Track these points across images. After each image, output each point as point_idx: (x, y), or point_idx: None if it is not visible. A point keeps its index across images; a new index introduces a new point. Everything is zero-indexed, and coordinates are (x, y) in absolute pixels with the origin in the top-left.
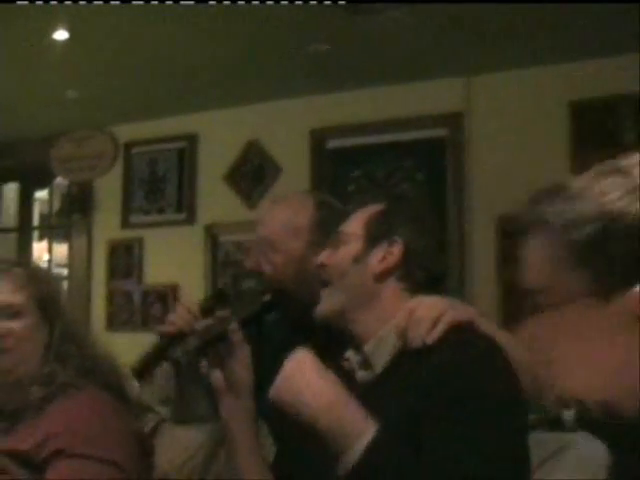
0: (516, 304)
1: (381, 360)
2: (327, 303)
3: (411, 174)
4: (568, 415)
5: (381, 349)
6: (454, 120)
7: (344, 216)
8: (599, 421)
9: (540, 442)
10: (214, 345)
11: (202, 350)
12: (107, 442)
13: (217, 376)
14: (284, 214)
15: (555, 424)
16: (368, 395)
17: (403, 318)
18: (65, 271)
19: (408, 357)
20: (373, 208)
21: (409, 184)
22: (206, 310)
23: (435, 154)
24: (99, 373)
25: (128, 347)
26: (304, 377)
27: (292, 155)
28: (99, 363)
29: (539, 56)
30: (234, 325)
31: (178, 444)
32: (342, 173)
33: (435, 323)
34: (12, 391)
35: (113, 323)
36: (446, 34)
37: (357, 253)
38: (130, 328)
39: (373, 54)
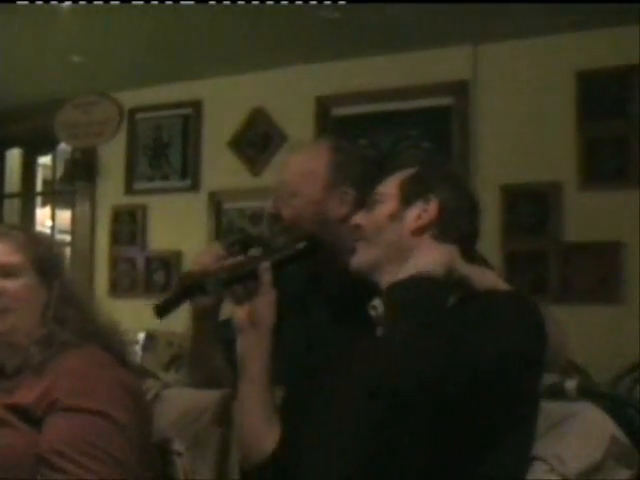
0: (519, 272)
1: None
2: (363, 255)
3: (416, 142)
4: (569, 385)
5: None
6: (460, 88)
7: (360, 158)
8: (600, 391)
9: (543, 411)
10: (243, 281)
11: (231, 283)
12: (102, 395)
13: (241, 312)
14: (301, 159)
15: (557, 393)
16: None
17: None
18: (68, 237)
19: None
20: (408, 171)
21: (414, 152)
22: (232, 253)
23: (441, 123)
24: (99, 336)
25: (131, 313)
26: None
27: (297, 122)
28: (99, 327)
29: (547, 25)
30: (266, 264)
31: (182, 407)
32: (347, 141)
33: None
34: (12, 351)
35: (116, 289)
36: (453, 2)
37: (393, 211)
38: (133, 294)
39: (380, 22)
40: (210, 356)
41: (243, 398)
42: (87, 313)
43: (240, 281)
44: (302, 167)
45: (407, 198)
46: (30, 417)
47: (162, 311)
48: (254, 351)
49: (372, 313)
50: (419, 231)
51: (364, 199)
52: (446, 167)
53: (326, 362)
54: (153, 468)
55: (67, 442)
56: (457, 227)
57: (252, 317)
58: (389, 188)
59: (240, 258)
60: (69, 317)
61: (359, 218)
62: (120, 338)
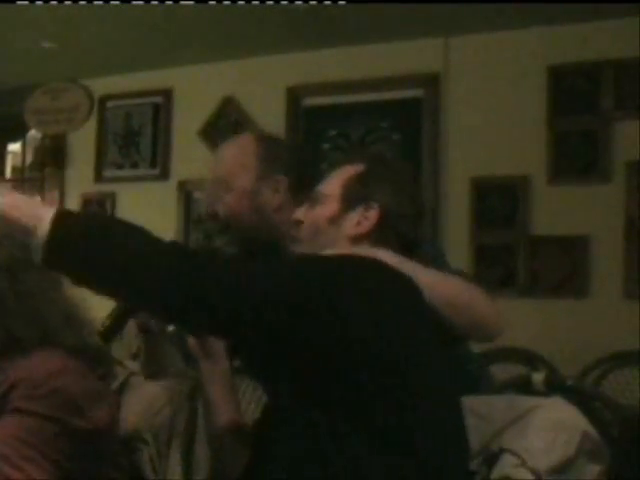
0: (487, 265)
1: None
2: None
3: (387, 134)
4: (537, 378)
5: None
6: (431, 81)
7: (290, 148)
8: (567, 384)
9: (511, 402)
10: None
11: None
12: (56, 402)
13: (193, 343)
14: (229, 154)
15: (524, 387)
16: None
17: None
18: None
19: None
20: (353, 169)
21: (384, 144)
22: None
23: (411, 115)
24: (64, 334)
25: (99, 301)
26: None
27: (268, 112)
28: (66, 324)
29: (518, 19)
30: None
31: (147, 397)
32: (318, 131)
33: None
34: None
35: None
36: None
37: (333, 215)
38: None
39: (352, 13)
40: (162, 359)
41: (210, 423)
42: (53, 305)
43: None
44: (231, 161)
45: (348, 202)
46: None
47: (106, 337)
48: (212, 378)
49: None
50: (357, 238)
51: (298, 184)
52: (392, 169)
53: None
54: (119, 466)
55: (9, 443)
56: (397, 235)
57: (205, 346)
58: (331, 188)
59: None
60: (34, 311)
61: (300, 214)
62: (86, 329)
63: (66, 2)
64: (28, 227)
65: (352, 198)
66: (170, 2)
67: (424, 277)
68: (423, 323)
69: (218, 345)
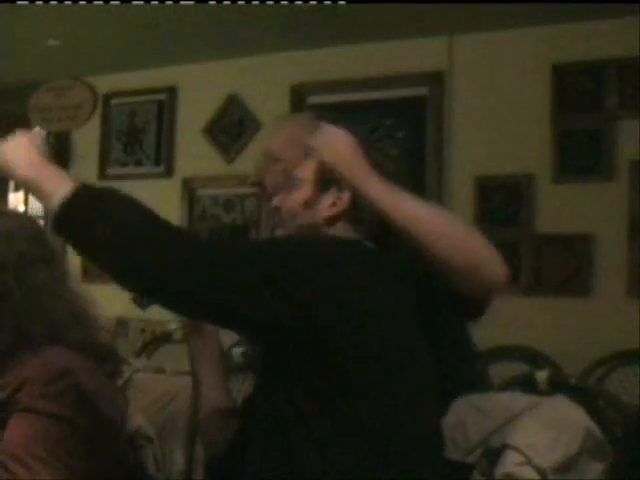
0: None
1: None
2: None
3: (391, 132)
4: (540, 376)
5: None
6: (435, 79)
7: (344, 127)
8: (570, 383)
9: (515, 399)
10: None
11: None
12: (67, 401)
13: (183, 320)
14: (287, 128)
15: (527, 386)
16: None
17: None
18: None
19: None
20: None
21: (389, 142)
22: None
23: (416, 113)
24: (72, 331)
25: (104, 299)
26: (20, 142)
27: (272, 110)
28: (74, 321)
29: (523, 17)
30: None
31: (151, 395)
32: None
33: None
34: None
35: (88, 275)
36: None
37: (307, 198)
38: (105, 280)
39: (356, 11)
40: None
41: (197, 403)
42: (61, 303)
43: None
44: (284, 135)
45: (322, 184)
46: (4, 413)
47: (143, 300)
48: (202, 357)
49: None
50: (332, 219)
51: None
52: (371, 152)
53: None
54: (124, 463)
55: (22, 444)
56: (371, 214)
57: (195, 324)
58: (305, 172)
59: None
60: (41, 309)
61: (277, 201)
62: (97, 331)
63: (70, 1)
64: (46, 190)
65: (326, 180)
66: (174, 0)
67: (405, 208)
68: (394, 300)
69: (209, 325)
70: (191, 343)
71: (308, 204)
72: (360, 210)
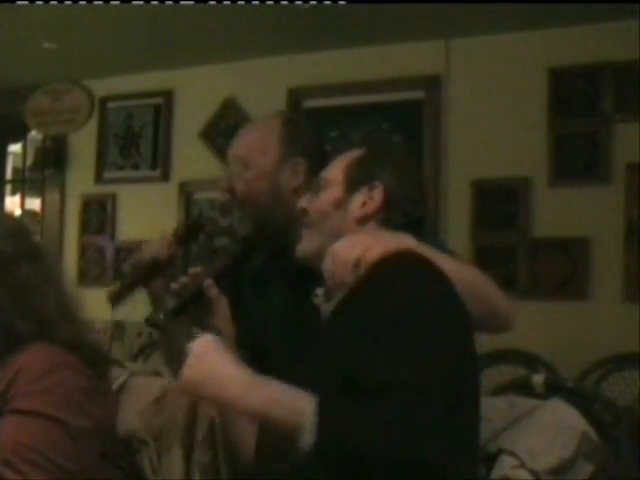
0: (488, 267)
1: (339, 294)
2: (307, 243)
3: (388, 136)
4: (536, 380)
5: None
6: (432, 83)
7: (312, 132)
8: (567, 386)
9: (511, 404)
10: (192, 303)
11: (181, 310)
12: (57, 399)
13: (199, 332)
14: (254, 134)
15: (524, 389)
16: (326, 327)
17: (329, 261)
18: (37, 226)
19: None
20: (353, 154)
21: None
22: (180, 240)
23: (412, 116)
24: (61, 328)
25: (99, 302)
26: (217, 358)
27: (269, 114)
28: (63, 318)
29: (520, 21)
30: (209, 281)
31: (147, 398)
32: (318, 133)
33: (357, 263)
34: None
35: (85, 278)
36: None
37: (337, 199)
38: (101, 284)
39: (353, 14)
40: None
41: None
42: (52, 303)
43: (190, 303)
44: (254, 140)
45: (352, 184)
46: None
47: (115, 299)
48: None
49: (316, 302)
50: (364, 219)
51: (317, 168)
52: (393, 151)
53: (284, 345)
54: (118, 464)
55: (13, 448)
56: (404, 213)
57: (211, 332)
58: (334, 173)
59: (182, 280)
60: (32, 307)
61: (305, 202)
62: (85, 328)
63: (67, 3)
64: (288, 423)
65: (355, 180)
66: (171, 3)
67: (443, 263)
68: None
69: (225, 333)
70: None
71: (338, 204)
72: (392, 210)
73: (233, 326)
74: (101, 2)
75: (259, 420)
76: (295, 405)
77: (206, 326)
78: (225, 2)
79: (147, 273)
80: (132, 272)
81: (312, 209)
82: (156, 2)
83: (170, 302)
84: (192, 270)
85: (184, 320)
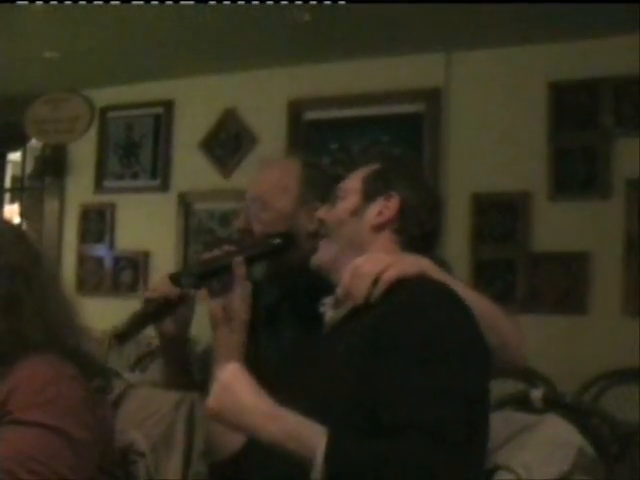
0: (487, 280)
1: (348, 305)
2: (324, 252)
3: (388, 148)
4: (535, 395)
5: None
6: (432, 95)
7: (329, 176)
8: (565, 401)
9: (507, 420)
10: (217, 275)
11: (205, 277)
12: (58, 410)
13: (215, 305)
14: (274, 174)
15: (522, 404)
16: (328, 337)
17: (347, 274)
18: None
19: (365, 307)
20: (371, 167)
21: (380, 149)
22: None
23: (412, 129)
24: (66, 340)
25: (97, 312)
26: (241, 389)
27: (269, 125)
28: (68, 330)
29: (520, 35)
30: (239, 259)
31: (144, 409)
32: (318, 145)
33: (376, 280)
34: None
35: (83, 288)
36: (427, 9)
37: (355, 207)
38: (100, 293)
39: (353, 26)
40: (182, 373)
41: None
42: (53, 312)
43: (214, 275)
44: (274, 182)
45: (369, 194)
46: None
47: (121, 338)
48: (230, 346)
49: (321, 310)
50: (379, 227)
51: None
52: (409, 164)
53: (295, 378)
54: (114, 476)
55: (16, 459)
56: (418, 224)
57: (227, 311)
58: (352, 183)
59: (215, 252)
60: (35, 317)
61: (322, 213)
62: (85, 338)
63: (68, 13)
64: (302, 456)
65: (373, 191)
66: (172, 13)
67: (458, 289)
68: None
69: (240, 314)
70: (219, 332)
71: (355, 213)
72: (406, 219)
73: (248, 311)
74: (102, 11)
75: (276, 449)
76: (310, 441)
77: (223, 301)
78: (226, 13)
79: (158, 311)
80: (143, 309)
81: (329, 218)
82: (157, 12)
83: (196, 268)
84: (226, 246)
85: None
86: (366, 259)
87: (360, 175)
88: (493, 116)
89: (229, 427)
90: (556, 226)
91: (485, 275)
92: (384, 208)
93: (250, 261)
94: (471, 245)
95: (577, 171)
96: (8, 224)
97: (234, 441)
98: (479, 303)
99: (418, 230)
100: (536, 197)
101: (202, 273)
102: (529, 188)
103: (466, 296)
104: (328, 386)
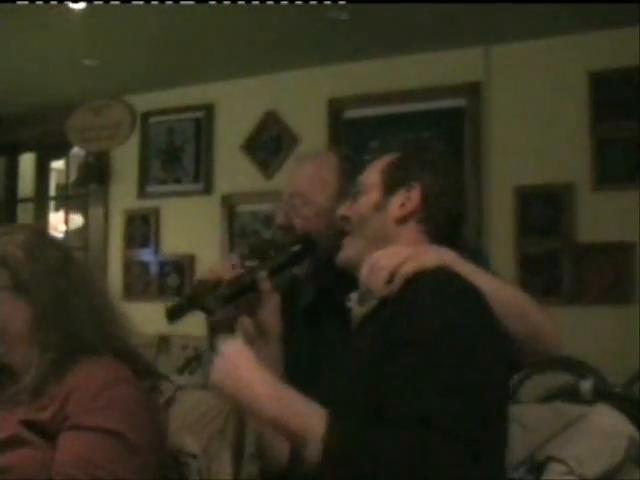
0: (533, 273)
1: (372, 300)
2: (348, 249)
3: (425, 139)
4: (585, 386)
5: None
6: (472, 90)
7: (362, 167)
8: (615, 392)
9: (557, 412)
10: (244, 294)
11: (232, 298)
12: (116, 413)
13: (247, 322)
14: (311, 169)
15: (572, 395)
16: (355, 333)
17: (366, 269)
18: (81, 242)
19: (385, 302)
20: (388, 157)
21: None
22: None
23: (453, 124)
24: (117, 340)
25: (144, 317)
26: (244, 366)
27: (310, 125)
28: (117, 330)
29: (559, 26)
30: (263, 274)
31: (195, 411)
32: (359, 143)
33: (393, 273)
34: (15, 371)
35: (129, 293)
36: (466, 3)
37: (376, 201)
38: (146, 298)
39: (392, 23)
40: None
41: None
42: (106, 316)
43: (240, 295)
44: (312, 176)
45: (389, 186)
46: (47, 433)
47: (172, 315)
48: (266, 361)
49: (348, 305)
50: (403, 219)
51: None
52: (427, 151)
53: (325, 376)
54: (169, 478)
55: (77, 465)
56: (443, 211)
57: (259, 327)
58: (371, 177)
59: (238, 271)
60: (78, 324)
61: (344, 209)
62: (136, 342)
63: (106, 19)
64: (298, 436)
65: (392, 182)
66: (210, 17)
67: (482, 280)
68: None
69: (272, 328)
70: (254, 349)
71: (378, 207)
72: (430, 209)
73: (280, 323)
74: (140, 17)
75: (273, 428)
76: (309, 420)
77: (254, 318)
78: (265, 14)
79: (208, 292)
80: (194, 290)
81: (352, 214)
82: (195, 15)
83: (223, 290)
84: (248, 263)
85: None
86: (383, 253)
87: (378, 167)
88: (534, 108)
89: (231, 402)
90: (600, 217)
91: (530, 268)
92: (406, 200)
93: (274, 273)
94: (516, 239)
95: (620, 161)
96: (30, 229)
97: (283, 452)
98: (506, 293)
99: (443, 217)
100: (580, 188)
101: (229, 295)
102: (572, 179)
103: (491, 287)
104: (346, 384)
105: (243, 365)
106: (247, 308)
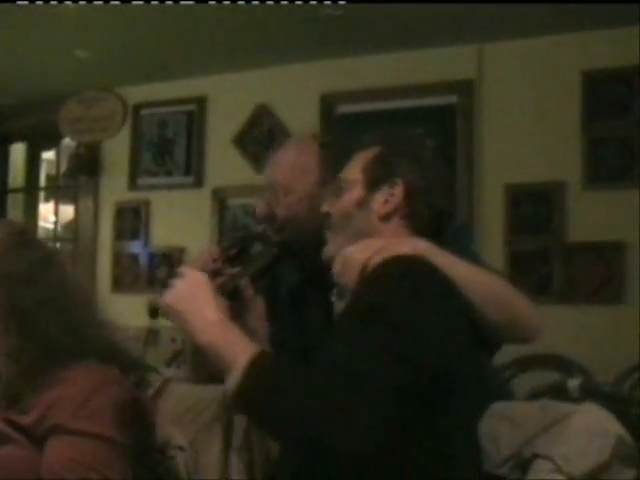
0: (523, 271)
1: (349, 294)
2: (333, 245)
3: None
4: (572, 384)
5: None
6: (465, 87)
7: (347, 153)
8: (603, 390)
9: (545, 409)
10: (228, 300)
11: None
12: (104, 417)
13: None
14: (291, 157)
15: (560, 393)
16: (335, 326)
17: (338, 263)
18: (71, 233)
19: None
20: (371, 152)
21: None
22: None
23: (445, 121)
24: (100, 340)
25: (134, 309)
26: (200, 292)
27: (301, 120)
28: (100, 330)
29: (552, 25)
30: (244, 281)
31: (184, 402)
32: (351, 139)
33: (365, 266)
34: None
35: (119, 285)
36: (459, 1)
37: (359, 198)
38: (136, 290)
39: (385, 20)
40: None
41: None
42: (79, 321)
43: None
44: (292, 164)
45: (372, 183)
46: (31, 436)
47: (154, 313)
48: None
49: (333, 299)
50: (387, 216)
51: None
52: (410, 145)
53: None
54: (155, 472)
55: (67, 466)
56: (426, 207)
57: (246, 332)
58: (353, 173)
59: (219, 279)
60: (53, 330)
61: (327, 206)
62: (117, 334)
63: (99, 11)
64: (225, 362)
65: (375, 179)
66: (203, 10)
67: (460, 269)
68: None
69: (259, 333)
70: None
71: (360, 204)
72: (414, 205)
73: (266, 326)
74: (133, 9)
75: (207, 352)
76: (240, 353)
77: (240, 325)
78: (257, 8)
79: None
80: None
81: (335, 211)
82: (189, 9)
83: None
84: (228, 271)
85: None
86: (356, 247)
87: (360, 163)
88: (526, 107)
89: (175, 320)
90: (591, 216)
91: (521, 267)
92: (389, 196)
93: (255, 278)
94: (506, 237)
95: (612, 160)
96: (8, 229)
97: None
98: (484, 280)
99: (427, 212)
100: (571, 187)
101: None
102: (563, 178)
103: (464, 272)
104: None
105: (200, 291)
106: (232, 314)
